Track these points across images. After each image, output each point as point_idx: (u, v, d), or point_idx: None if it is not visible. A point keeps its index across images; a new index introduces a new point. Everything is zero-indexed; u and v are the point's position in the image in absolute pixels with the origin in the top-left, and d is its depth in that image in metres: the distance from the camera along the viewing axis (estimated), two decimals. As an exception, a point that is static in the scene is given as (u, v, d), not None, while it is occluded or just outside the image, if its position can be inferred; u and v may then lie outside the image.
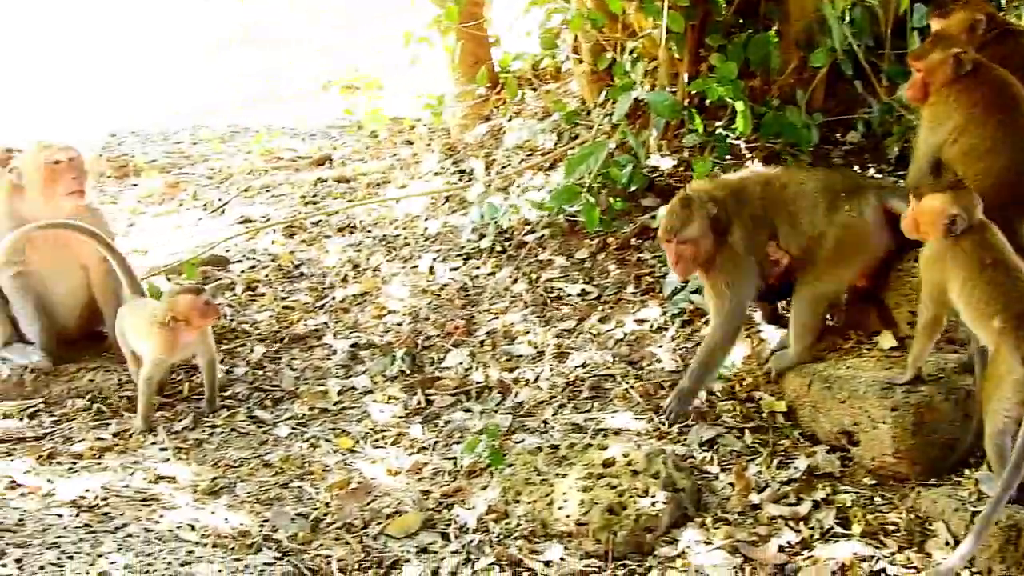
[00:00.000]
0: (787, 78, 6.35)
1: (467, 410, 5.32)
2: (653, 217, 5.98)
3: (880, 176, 6.14)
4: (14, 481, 4.63)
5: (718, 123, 6.40)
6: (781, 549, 4.13)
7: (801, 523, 4.25)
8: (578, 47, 7.20)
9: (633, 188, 6.28)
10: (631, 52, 6.56)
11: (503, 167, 7.32)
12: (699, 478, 4.53)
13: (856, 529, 4.18)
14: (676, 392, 5.00)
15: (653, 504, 4.30)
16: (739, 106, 6.02)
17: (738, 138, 6.36)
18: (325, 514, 4.52)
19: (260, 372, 5.69)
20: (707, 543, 4.19)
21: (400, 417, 5.30)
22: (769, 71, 6.33)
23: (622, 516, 4.28)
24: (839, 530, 4.20)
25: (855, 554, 4.05)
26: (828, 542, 4.15)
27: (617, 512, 4.29)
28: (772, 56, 6.18)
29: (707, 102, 6.25)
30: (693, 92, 6.32)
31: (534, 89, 7.60)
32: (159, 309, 5.22)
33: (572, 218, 6.34)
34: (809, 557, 4.08)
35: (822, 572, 3.99)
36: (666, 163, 6.54)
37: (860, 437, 4.59)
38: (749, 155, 6.31)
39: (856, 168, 6.27)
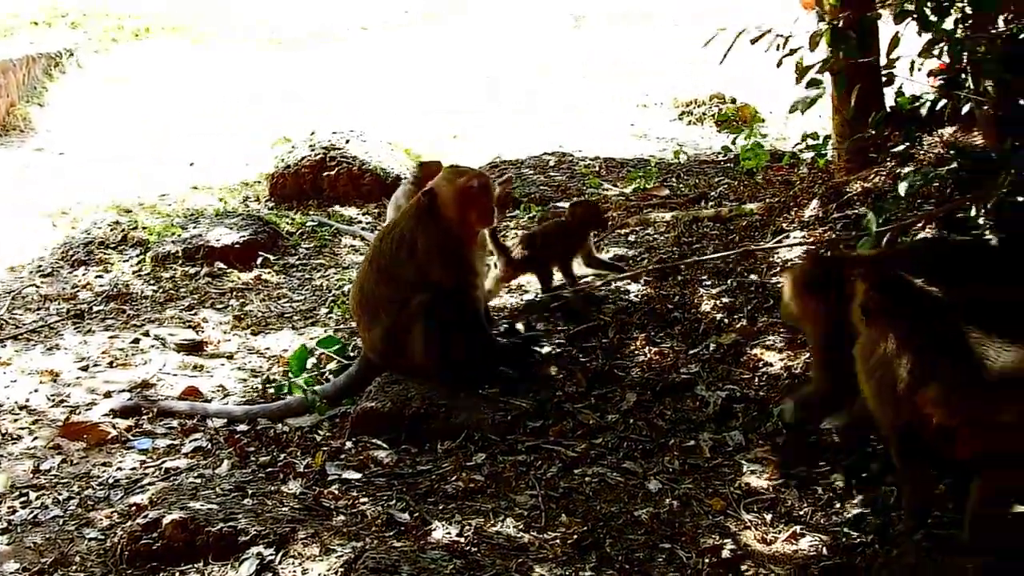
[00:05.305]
0: None
1: (843, 478, 4.99)
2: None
3: None
4: (392, 517, 4.73)
5: None
6: None
7: None
8: (983, 89, 6.64)
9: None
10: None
11: (891, 215, 6.85)
12: None
13: None
14: None
15: None
16: None
17: None
18: (696, 582, 4.32)
19: (631, 421, 5.57)
20: None
21: (774, 481, 5.04)
22: None
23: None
24: None
25: None
26: None
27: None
28: None
29: None
30: None
31: (929, 133, 7.07)
32: None
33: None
34: None
35: None
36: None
37: None
38: None
39: None
